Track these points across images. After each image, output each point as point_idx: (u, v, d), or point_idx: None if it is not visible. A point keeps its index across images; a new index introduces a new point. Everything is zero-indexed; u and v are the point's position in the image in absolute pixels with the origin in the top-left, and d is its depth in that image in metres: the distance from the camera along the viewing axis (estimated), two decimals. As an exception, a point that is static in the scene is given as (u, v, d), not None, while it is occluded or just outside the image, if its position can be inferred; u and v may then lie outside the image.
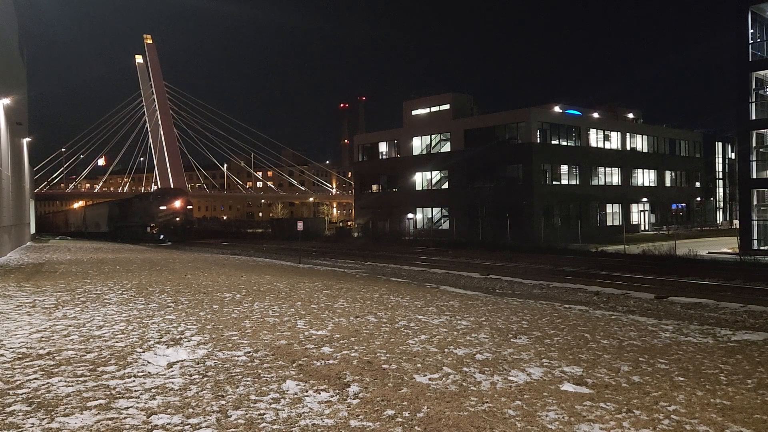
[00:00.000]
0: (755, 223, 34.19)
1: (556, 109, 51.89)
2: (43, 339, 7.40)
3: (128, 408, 4.77)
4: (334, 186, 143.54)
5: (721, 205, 74.79)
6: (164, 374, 5.82)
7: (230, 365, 6.22)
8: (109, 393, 5.15)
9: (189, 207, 51.10)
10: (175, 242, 46.94)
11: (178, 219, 49.21)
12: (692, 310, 12.84)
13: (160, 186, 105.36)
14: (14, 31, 36.19)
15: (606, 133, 54.26)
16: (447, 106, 53.52)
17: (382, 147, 59.58)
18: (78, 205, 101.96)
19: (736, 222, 41.05)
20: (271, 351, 6.92)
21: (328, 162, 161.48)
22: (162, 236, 48.13)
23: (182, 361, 6.38)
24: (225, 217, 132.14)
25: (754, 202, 34.41)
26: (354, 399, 5.16)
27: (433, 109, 54.66)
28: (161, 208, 48.67)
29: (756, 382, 6.02)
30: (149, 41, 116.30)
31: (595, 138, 53.07)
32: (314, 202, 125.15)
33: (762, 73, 34.52)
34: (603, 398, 5.35)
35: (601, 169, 52.90)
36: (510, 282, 18.34)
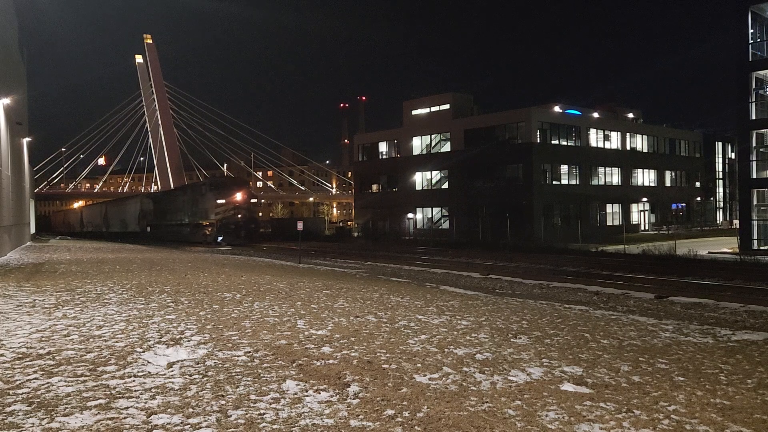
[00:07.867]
0: (755, 223, 34.18)
1: (556, 109, 51.88)
2: (43, 339, 7.40)
3: (128, 408, 4.77)
4: (334, 186, 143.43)
5: (721, 205, 74.73)
6: (164, 374, 5.82)
7: (230, 365, 6.22)
8: (109, 393, 5.15)
9: (253, 201, 40.52)
10: (236, 246, 37.59)
11: (239, 216, 39.00)
12: (692, 309, 12.83)
13: (160, 186, 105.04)
14: (14, 31, 36.23)
15: (606, 133, 54.25)
16: (447, 106, 53.51)
17: (382, 147, 59.57)
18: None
19: (736, 222, 41.02)
20: (271, 351, 6.92)
21: (328, 162, 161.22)
22: (220, 238, 38.74)
23: (182, 360, 6.38)
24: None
25: (754, 202, 34.40)
26: (354, 399, 5.16)
27: (433, 109, 54.66)
28: (218, 201, 38.70)
29: (756, 382, 6.02)
30: (149, 41, 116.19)
31: (595, 138, 53.07)
32: (314, 202, 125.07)
33: (762, 73, 34.51)
34: (603, 398, 5.35)
35: (601, 169, 52.90)
36: (510, 282, 18.33)
